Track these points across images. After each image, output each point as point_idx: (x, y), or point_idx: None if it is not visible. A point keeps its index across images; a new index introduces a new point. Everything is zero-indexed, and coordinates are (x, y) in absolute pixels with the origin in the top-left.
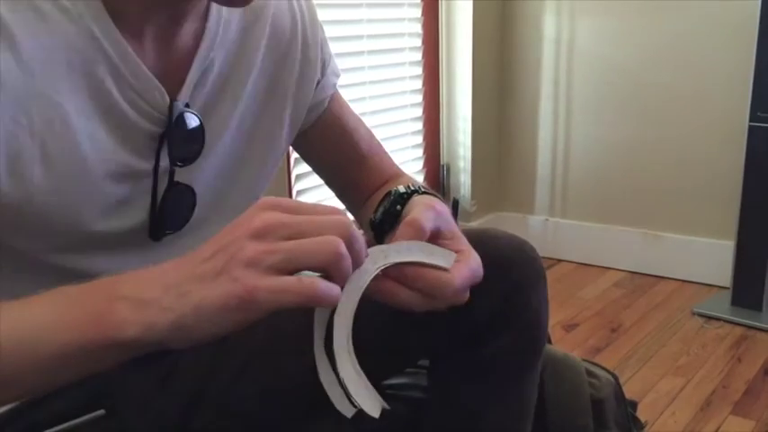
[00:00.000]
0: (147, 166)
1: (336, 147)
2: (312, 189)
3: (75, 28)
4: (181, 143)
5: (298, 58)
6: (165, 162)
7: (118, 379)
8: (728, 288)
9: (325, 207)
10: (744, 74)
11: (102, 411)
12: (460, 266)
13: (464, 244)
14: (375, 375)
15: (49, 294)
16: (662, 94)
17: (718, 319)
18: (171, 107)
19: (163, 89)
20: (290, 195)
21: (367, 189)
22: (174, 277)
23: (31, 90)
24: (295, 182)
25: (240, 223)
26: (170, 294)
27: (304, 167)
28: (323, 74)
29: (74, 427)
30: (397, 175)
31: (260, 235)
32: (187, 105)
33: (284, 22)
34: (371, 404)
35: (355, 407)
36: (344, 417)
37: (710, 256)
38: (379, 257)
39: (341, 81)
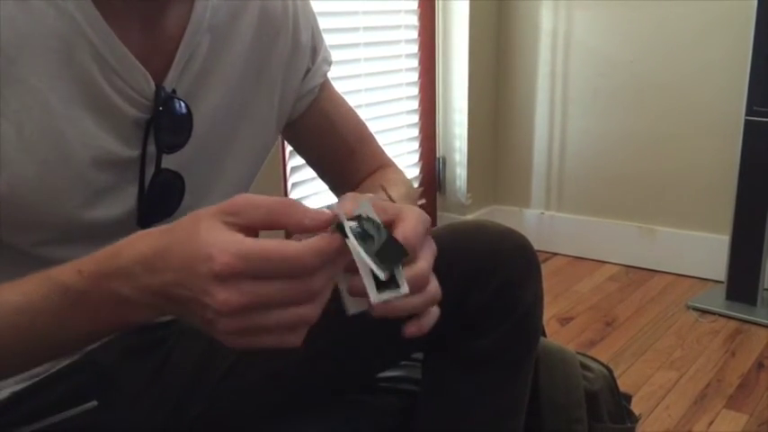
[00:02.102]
0: (134, 152)
1: (326, 136)
2: (307, 182)
3: (56, 12)
4: (168, 129)
5: (288, 43)
6: (151, 149)
7: (110, 370)
8: (723, 282)
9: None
10: (740, 67)
11: (94, 402)
12: (404, 226)
13: (399, 208)
14: (370, 367)
15: (41, 289)
16: (658, 87)
17: (712, 313)
18: (157, 92)
19: (148, 74)
20: (285, 188)
21: (355, 180)
22: (158, 283)
23: (8, 76)
24: (290, 174)
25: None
26: (158, 300)
27: (299, 160)
28: (313, 61)
29: (65, 418)
30: (386, 165)
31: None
32: (174, 91)
33: (275, 7)
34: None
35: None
36: (341, 410)
37: (705, 251)
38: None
39: (338, 73)
